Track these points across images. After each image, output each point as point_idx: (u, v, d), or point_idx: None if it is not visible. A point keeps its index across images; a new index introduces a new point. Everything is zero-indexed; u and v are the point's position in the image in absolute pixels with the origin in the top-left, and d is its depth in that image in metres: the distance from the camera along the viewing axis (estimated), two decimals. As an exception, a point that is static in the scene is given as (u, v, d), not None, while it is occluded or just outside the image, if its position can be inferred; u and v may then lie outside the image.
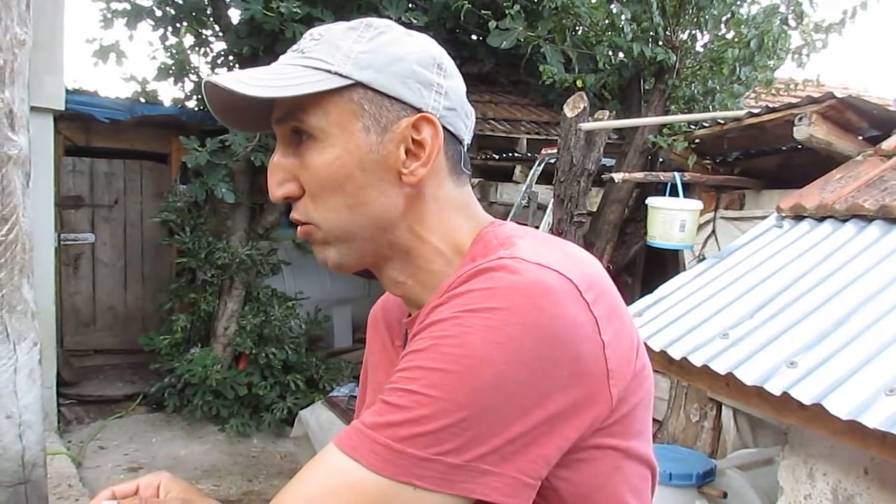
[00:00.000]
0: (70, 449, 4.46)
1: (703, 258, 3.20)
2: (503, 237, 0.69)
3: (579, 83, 4.22)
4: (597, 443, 0.63)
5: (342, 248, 0.72)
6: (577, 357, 0.59)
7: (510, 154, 5.27)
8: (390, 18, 0.72)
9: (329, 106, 0.69)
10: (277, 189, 0.72)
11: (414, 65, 0.70)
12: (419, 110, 0.70)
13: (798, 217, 2.56)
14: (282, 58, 0.73)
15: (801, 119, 2.65)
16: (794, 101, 2.94)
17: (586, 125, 3.27)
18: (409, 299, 0.76)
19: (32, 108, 3.31)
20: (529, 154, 4.94)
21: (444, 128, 0.71)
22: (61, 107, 4.47)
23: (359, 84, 0.69)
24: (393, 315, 0.84)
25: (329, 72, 0.68)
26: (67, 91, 4.61)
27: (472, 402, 0.57)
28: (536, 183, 3.99)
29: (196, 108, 5.92)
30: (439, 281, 0.71)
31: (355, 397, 4.65)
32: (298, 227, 0.73)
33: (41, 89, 3.94)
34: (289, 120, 0.70)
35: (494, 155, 5.26)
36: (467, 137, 0.76)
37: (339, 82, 0.68)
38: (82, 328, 6.39)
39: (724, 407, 3.34)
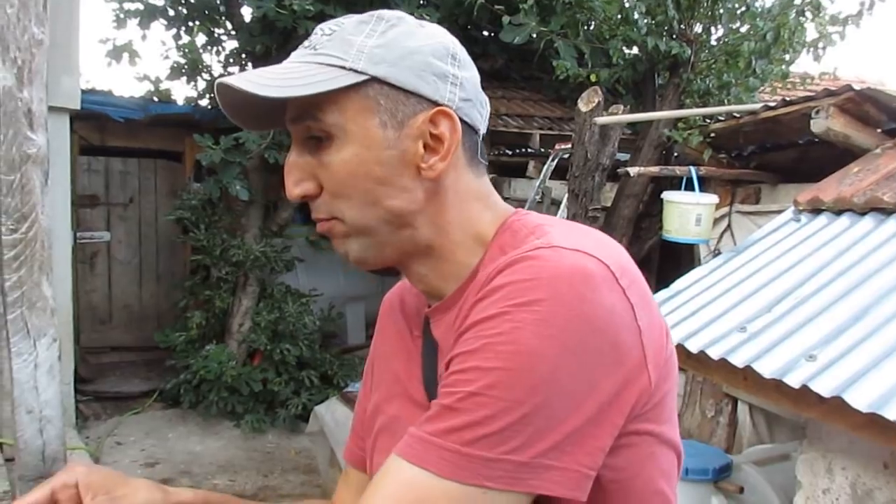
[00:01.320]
0: (88, 445, 4.50)
1: (719, 253, 3.19)
2: (532, 225, 0.69)
3: (593, 78, 4.21)
4: (636, 428, 0.63)
5: (364, 242, 0.72)
6: (617, 344, 0.60)
7: (523, 149, 5.26)
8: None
9: (345, 103, 0.68)
10: (295, 188, 0.71)
11: (429, 57, 0.70)
12: (435, 103, 0.69)
13: (816, 211, 2.54)
14: (293, 55, 0.72)
15: (818, 112, 2.63)
16: (810, 94, 2.92)
17: (601, 119, 3.26)
18: (430, 291, 0.76)
19: (49, 108, 3.33)
20: (543, 149, 4.93)
21: (460, 119, 0.71)
22: (77, 106, 4.51)
23: (374, 79, 0.68)
24: (410, 305, 0.83)
25: (343, 68, 0.67)
26: (82, 91, 4.65)
27: (530, 398, 0.57)
28: (550, 178, 3.98)
29: (209, 107, 5.95)
30: (462, 272, 0.71)
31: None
32: (318, 224, 0.73)
33: (57, 89, 3.97)
34: (304, 119, 0.69)
35: (507, 150, 5.26)
36: (483, 127, 0.76)
37: (353, 78, 0.67)
38: (98, 326, 6.45)
39: (739, 402, 3.33)
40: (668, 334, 0.67)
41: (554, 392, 0.57)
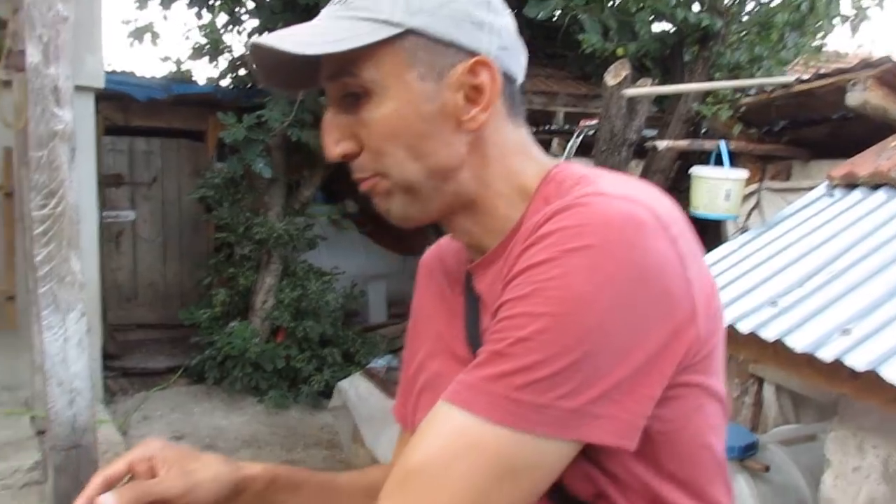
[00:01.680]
0: (115, 419, 4.58)
1: (747, 230, 3.14)
2: (577, 176, 0.68)
3: (619, 52, 4.14)
4: (685, 380, 0.62)
5: (407, 199, 0.70)
6: (668, 293, 0.58)
7: (547, 127, 5.21)
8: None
9: (382, 57, 0.66)
10: (334, 147, 0.69)
11: (465, 5, 0.67)
12: (473, 53, 0.67)
13: (850, 186, 2.49)
14: (324, 11, 0.70)
15: (854, 84, 2.56)
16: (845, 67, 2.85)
17: (629, 91, 3.21)
18: (473, 245, 0.75)
19: (74, 87, 3.35)
20: (567, 127, 4.88)
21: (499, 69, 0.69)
22: (101, 85, 4.53)
23: (411, 31, 0.66)
24: (450, 263, 0.82)
25: (378, 21, 0.66)
26: (105, 72, 4.67)
27: (580, 345, 0.56)
28: (575, 155, 3.94)
29: (231, 87, 5.97)
30: (505, 225, 0.70)
31: (393, 369, 4.68)
32: (360, 183, 0.71)
33: (81, 67, 3.99)
34: (341, 76, 0.68)
35: (531, 128, 5.20)
36: (521, 75, 0.74)
37: (390, 31, 0.65)
38: (125, 303, 6.53)
39: (765, 383, 3.30)
40: (715, 288, 0.66)
41: (604, 339, 0.56)
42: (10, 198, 4.52)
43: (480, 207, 0.71)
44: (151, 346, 6.21)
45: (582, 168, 0.70)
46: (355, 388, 4.00)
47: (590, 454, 0.61)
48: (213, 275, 5.66)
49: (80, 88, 3.83)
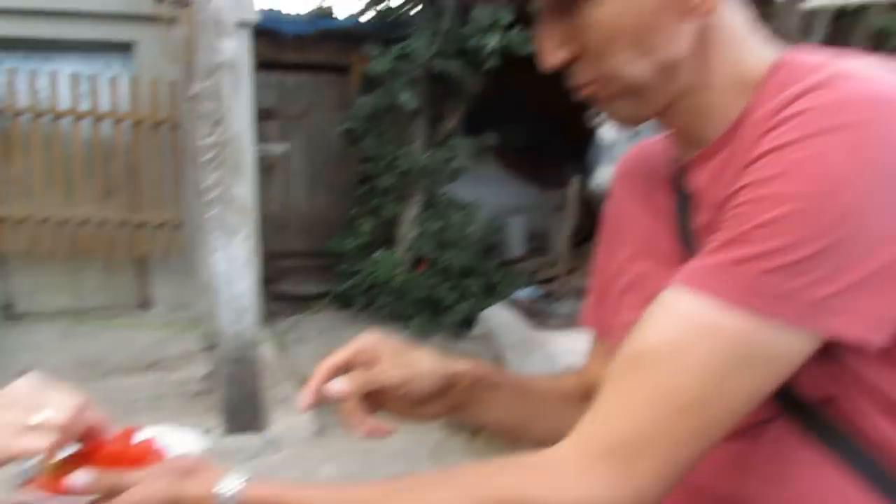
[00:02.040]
0: (273, 338, 4.91)
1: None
2: (815, 62, 0.61)
3: (793, -37, 3.75)
4: None
5: (632, 100, 0.67)
6: None
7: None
8: None
9: None
10: (552, 55, 0.66)
11: None
12: None
13: None
14: None
15: None
16: None
17: (808, 3, 2.90)
18: (690, 138, 0.70)
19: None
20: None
21: None
22: (256, 19, 4.71)
23: None
24: (654, 163, 0.78)
25: None
26: (255, 10, 4.83)
27: (832, 230, 0.52)
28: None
29: (373, 20, 6.02)
30: (728, 115, 0.65)
31: (536, 300, 4.70)
32: (580, 90, 0.68)
33: (237, 2, 4.14)
34: None
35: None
36: None
37: None
38: (277, 232, 6.93)
39: None
40: None
41: (859, 226, 0.51)
42: (176, 130, 4.85)
43: (703, 98, 0.66)
44: (302, 272, 6.57)
45: (817, 54, 0.63)
46: (500, 317, 4.06)
47: (826, 354, 0.56)
48: (359, 206, 5.86)
49: (237, 24, 4.00)
